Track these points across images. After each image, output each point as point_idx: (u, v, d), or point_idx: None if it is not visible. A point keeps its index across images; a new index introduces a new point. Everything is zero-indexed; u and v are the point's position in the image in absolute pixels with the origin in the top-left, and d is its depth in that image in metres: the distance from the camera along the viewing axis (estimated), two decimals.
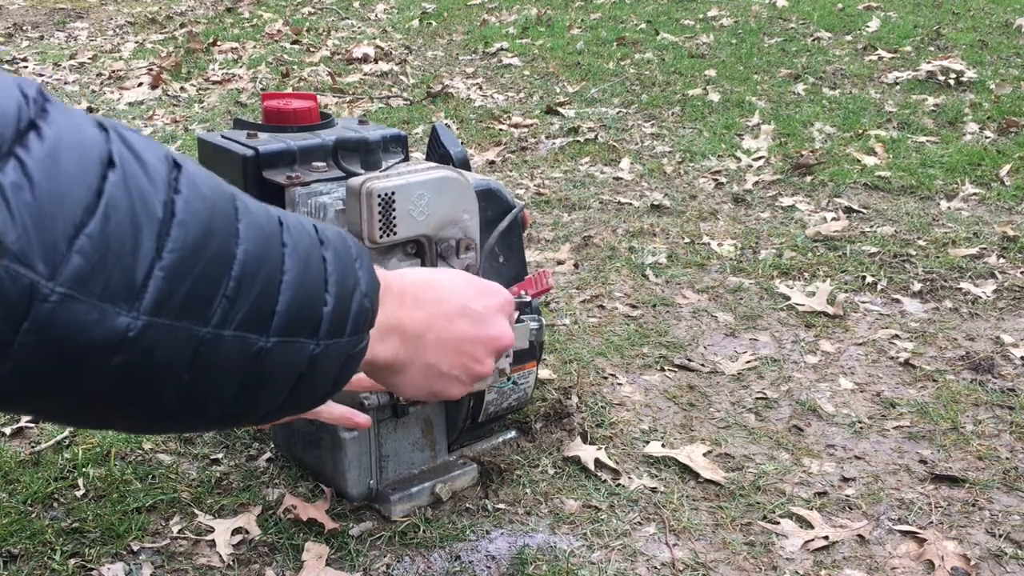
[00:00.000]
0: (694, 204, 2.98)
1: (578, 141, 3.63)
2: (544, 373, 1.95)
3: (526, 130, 3.83)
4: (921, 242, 2.63)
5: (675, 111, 4.04)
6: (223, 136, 1.57)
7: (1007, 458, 1.70)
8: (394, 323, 0.76)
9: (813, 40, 5.22)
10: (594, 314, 2.27)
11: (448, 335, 0.82)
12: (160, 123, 4.02)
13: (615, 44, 5.26)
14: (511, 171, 3.35)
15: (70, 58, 5.29)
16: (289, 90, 4.49)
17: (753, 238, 2.70)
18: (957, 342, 2.12)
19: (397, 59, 5.14)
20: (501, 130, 3.83)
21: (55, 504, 1.55)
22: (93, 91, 4.60)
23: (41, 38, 5.97)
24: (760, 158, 3.35)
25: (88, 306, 0.51)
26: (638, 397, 1.90)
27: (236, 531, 1.49)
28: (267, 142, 1.53)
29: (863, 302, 2.32)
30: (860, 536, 1.50)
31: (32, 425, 1.78)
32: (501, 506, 1.57)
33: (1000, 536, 1.50)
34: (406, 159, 1.55)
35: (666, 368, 2.02)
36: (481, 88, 4.56)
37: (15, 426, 1.77)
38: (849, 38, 5.24)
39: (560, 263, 2.55)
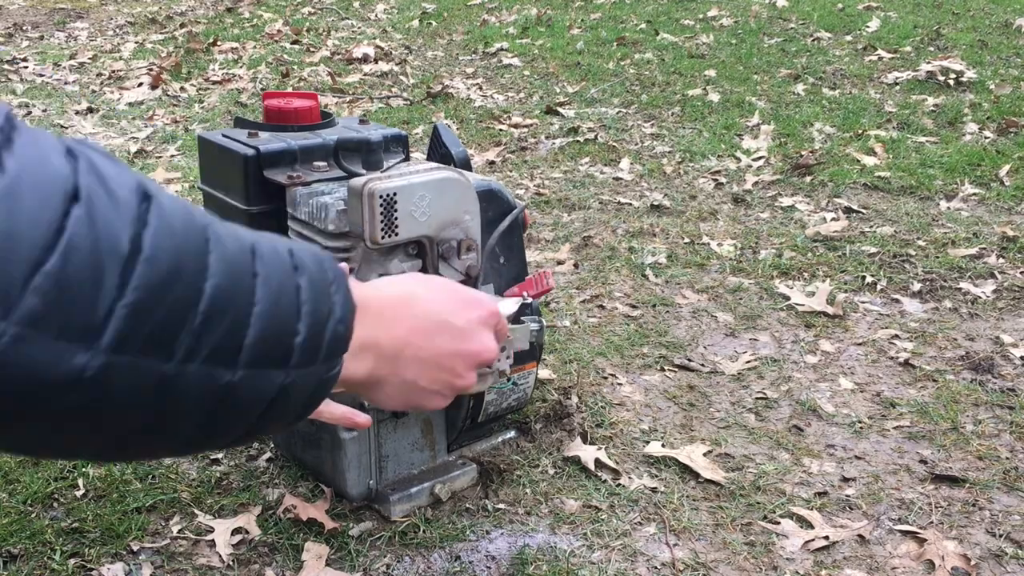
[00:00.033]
0: (694, 204, 2.98)
1: (578, 141, 3.63)
2: (544, 373, 1.95)
3: (526, 130, 3.83)
4: (921, 242, 2.63)
5: (675, 111, 4.04)
6: (224, 135, 1.57)
7: (1007, 458, 1.70)
8: (370, 341, 0.75)
9: (813, 40, 5.22)
10: (594, 314, 2.27)
11: (427, 351, 0.80)
12: (160, 123, 4.02)
13: (615, 44, 5.26)
14: (511, 171, 3.35)
15: (70, 58, 5.29)
16: (289, 90, 4.49)
17: (753, 238, 2.70)
18: (957, 342, 2.12)
19: (397, 59, 5.14)
20: (501, 130, 3.83)
21: (55, 504, 1.55)
22: (93, 91, 4.60)
23: (41, 38, 5.96)
24: (760, 158, 3.35)
25: (42, 346, 0.50)
26: (638, 397, 1.90)
27: (236, 531, 1.49)
28: (268, 141, 1.52)
29: (863, 302, 2.32)
30: (860, 536, 1.51)
31: None
32: (501, 506, 1.57)
33: (1000, 536, 1.51)
34: (407, 159, 1.55)
35: (666, 368, 2.02)
36: (481, 88, 4.56)
37: None
38: (849, 38, 5.24)
39: (560, 263, 2.55)
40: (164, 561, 1.44)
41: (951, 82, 4.24)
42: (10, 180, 0.49)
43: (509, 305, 1.10)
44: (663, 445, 1.73)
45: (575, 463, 1.67)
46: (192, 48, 5.31)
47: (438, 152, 1.64)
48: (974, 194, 2.97)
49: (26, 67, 5.08)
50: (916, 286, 2.38)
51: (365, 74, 4.82)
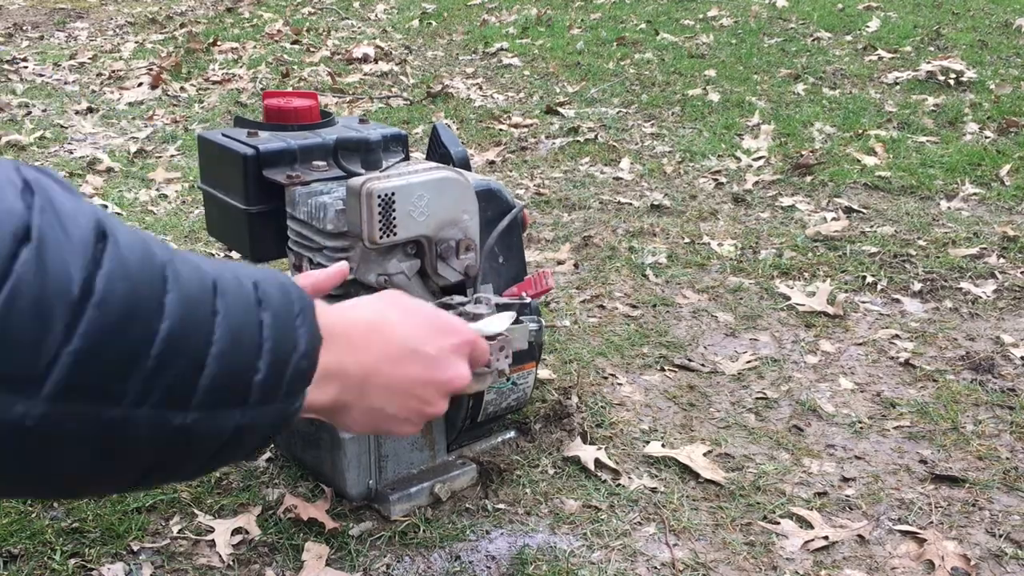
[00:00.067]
0: (694, 204, 2.98)
1: (578, 141, 3.63)
2: (544, 373, 1.95)
3: (526, 130, 3.83)
4: (921, 242, 2.63)
5: (675, 111, 4.04)
6: (224, 134, 1.57)
7: (1007, 458, 1.70)
8: (336, 369, 0.72)
9: (813, 40, 5.22)
10: (594, 314, 2.27)
11: (395, 380, 0.77)
12: (160, 123, 4.02)
13: (615, 44, 5.26)
14: (511, 171, 3.35)
15: (70, 58, 5.29)
16: (289, 89, 4.49)
17: (753, 238, 2.70)
18: (957, 342, 2.12)
19: (397, 59, 5.14)
20: (501, 130, 3.83)
21: (55, 504, 1.55)
22: (93, 91, 4.60)
23: (41, 38, 5.96)
24: (760, 158, 3.35)
25: None
26: (638, 397, 1.90)
27: (236, 531, 1.49)
28: (268, 141, 1.52)
29: (863, 302, 2.32)
30: (860, 536, 1.50)
31: None
32: (501, 506, 1.57)
33: (1000, 536, 1.50)
34: (406, 159, 1.55)
35: (666, 368, 2.02)
36: (481, 88, 4.56)
37: None
38: (849, 38, 5.24)
39: (560, 263, 2.55)
40: (164, 561, 1.44)
41: (951, 82, 4.24)
42: None
43: (497, 323, 1.04)
44: (663, 445, 1.73)
45: (575, 463, 1.67)
46: (192, 48, 5.31)
47: (437, 152, 1.64)
48: (974, 194, 2.97)
49: (26, 67, 5.08)
50: (916, 286, 2.38)
51: (365, 74, 4.82)
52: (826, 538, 1.49)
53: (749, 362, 2.03)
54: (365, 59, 5.05)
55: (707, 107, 4.06)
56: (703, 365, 2.03)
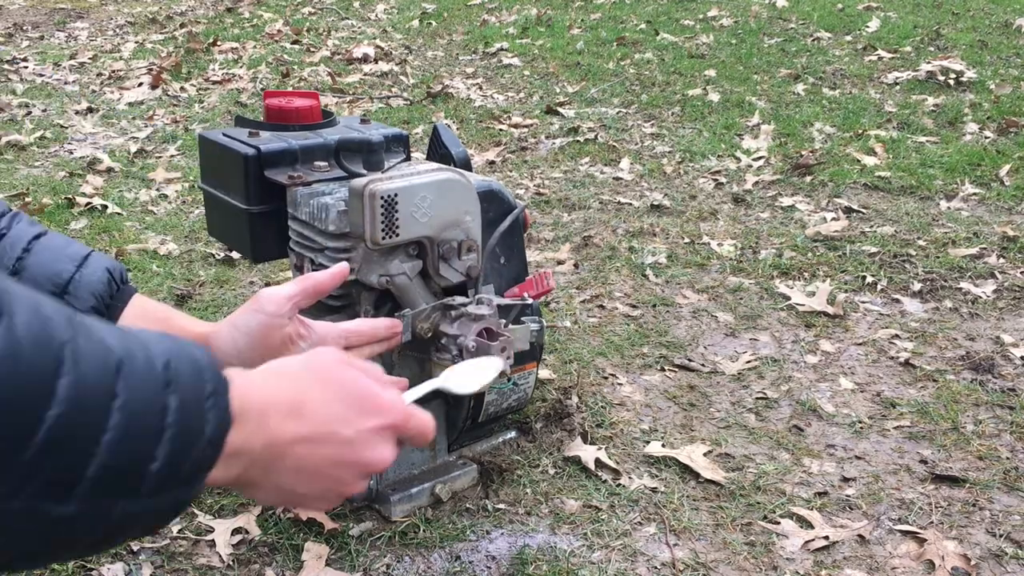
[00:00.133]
0: (694, 204, 2.98)
1: (578, 141, 3.63)
2: (544, 373, 1.95)
3: (526, 130, 3.83)
4: (921, 242, 2.63)
5: (675, 111, 4.04)
6: (224, 134, 1.57)
7: (1007, 458, 1.70)
8: (244, 448, 0.67)
9: (813, 40, 5.22)
10: (594, 314, 2.27)
11: (308, 462, 0.73)
12: (160, 123, 4.02)
13: (615, 44, 5.26)
14: (511, 171, 3.35)
15: (70, 58, 5.29)
16: (290, 89, 4.49)
17: (753, 238, 2.70)
18: (957, 342, 2.12)
19: (397, 59, 5.14)
20: (501, 130, 3.83)
21: None
22: (93, 91, 4.60)
23: (41, 38, 5.96)
24: (760, 158, 3.35)
25: None
26: (638, 397, 1.90)
27: (236, 531, 1.49)
28: (269, 141, 1.52)
29: (863, 302, 2.32)
30: (860, 536, 1.51)
31: None
32: (501, 506, 1.57)
33: (1000, 536, 1.51)
34: (408, 159, 1.55)
35: (666, 368, 2.02)
36: (481, 88, 4.56)
37: None
38: (849, 38, 5.24)
39: (560, 263, 2.55)
40: (164, 561, 1.44)
41: (951, 82, 4.24)
42: None
43: (471, 380, 0.96)
44: (663, 445, 1.73)
45: (575, 463, 1.67)
46: (192, 48, 5.31)
47: (438, 152, 1.64)
48: (974, 194, 2.97)
49: (26, 67, 5.08)
50: (916, 286, 2.38)
51: (365, 74, 4.82)
52: (826, 538, 1.49)
53: (749, 362, 2.03)
54: (365, 59, 5.05)
55: (707, 107, 4.06)
56: (703, 365, 2.03)
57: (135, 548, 1.45)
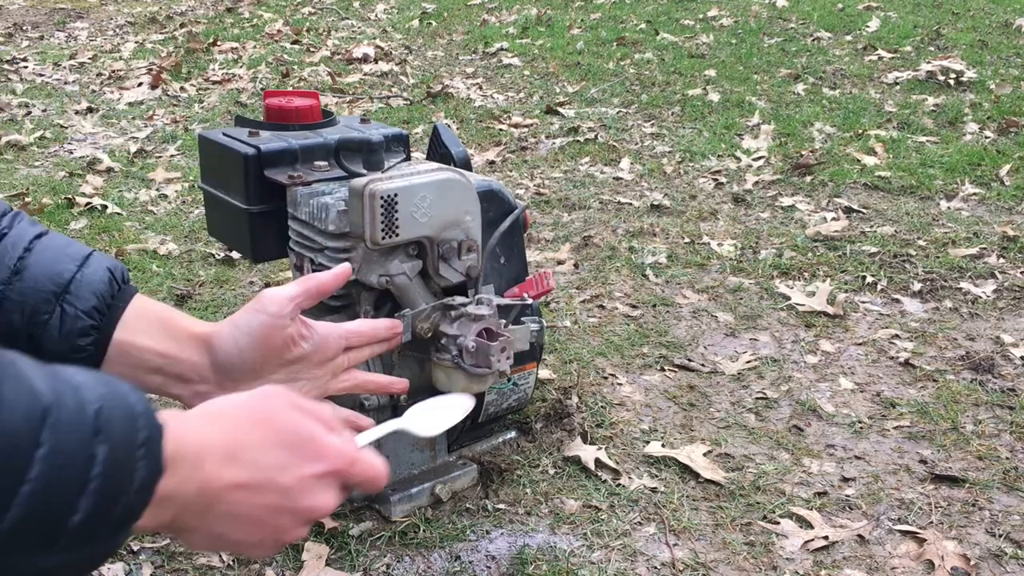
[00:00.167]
0: (694, 204, 2.98)
1: (578, 141, 3.63)
2: (544, 373, 1.95)
3: (526, 130, 3.83)
4: (921, 242, 2.63)
5: (675, 111, 4.04)
6: (224, 134, 1.57)
7: (1007, 458, 1.70)
8: (176, 494, 0.65)
9: (813, 40, 5.22)
10: (594, 314, 2.27)
11: (243, 508, 0.70)
12: (160, 123, 4.02)
13: (615, 44, 5.26)
14: (511, 171, 3.35)
15: (70, 58, 5.29)
16: (290, 89, 4.49)
17: (753, 238, 2.70)
18: (957, 342, 2.12)
19: (397, 59, 5.14)
20: (501, 130, 3.83)
21: None
22: (93, 91, 4.60)
23: (41, 38, 5.96)
24: (760, 158, 3.36)
25: None
26: (638, 397, 1.90)
27: None
28: (269, 140, 1.52)
29: (863, 302, 2.32)
30: (860, 536, 1.51)
31: None
32: (501, 506, 1.57)
33: (1000, 536, 1.51)
34: (408, 159, 1.55)
35: (666, 368, 2.02)
36: (481, 88, 4.56)
37: None
38: (849, 38, 5.24)
39: (560, 263, 2.55)
40: (164, 561, 1.44)
41: (951, 82, 4.24)
42: None
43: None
44: (663, 445, 1.73)
45: (575, 463, 1.67)
46: (192, 48, 5.31)
47: (438, 152, 1.64)
48: (974, 194, 2.97)
49: (26, 67, 5.08)
50: (916, 286, 2.38)
51: (365, 74, 4.82)
52: (826, 538, 1.49)
53: (749, 362, 2.03)
54: (365, 59, 5.05)
55: (707, 107, 4.06)
56: (703, 365, 2.03)
57: (135, 548, 1.45)
